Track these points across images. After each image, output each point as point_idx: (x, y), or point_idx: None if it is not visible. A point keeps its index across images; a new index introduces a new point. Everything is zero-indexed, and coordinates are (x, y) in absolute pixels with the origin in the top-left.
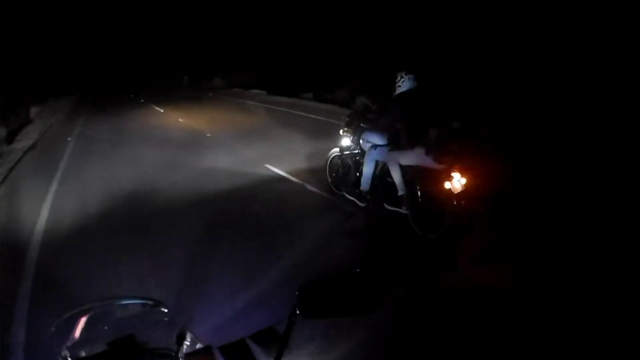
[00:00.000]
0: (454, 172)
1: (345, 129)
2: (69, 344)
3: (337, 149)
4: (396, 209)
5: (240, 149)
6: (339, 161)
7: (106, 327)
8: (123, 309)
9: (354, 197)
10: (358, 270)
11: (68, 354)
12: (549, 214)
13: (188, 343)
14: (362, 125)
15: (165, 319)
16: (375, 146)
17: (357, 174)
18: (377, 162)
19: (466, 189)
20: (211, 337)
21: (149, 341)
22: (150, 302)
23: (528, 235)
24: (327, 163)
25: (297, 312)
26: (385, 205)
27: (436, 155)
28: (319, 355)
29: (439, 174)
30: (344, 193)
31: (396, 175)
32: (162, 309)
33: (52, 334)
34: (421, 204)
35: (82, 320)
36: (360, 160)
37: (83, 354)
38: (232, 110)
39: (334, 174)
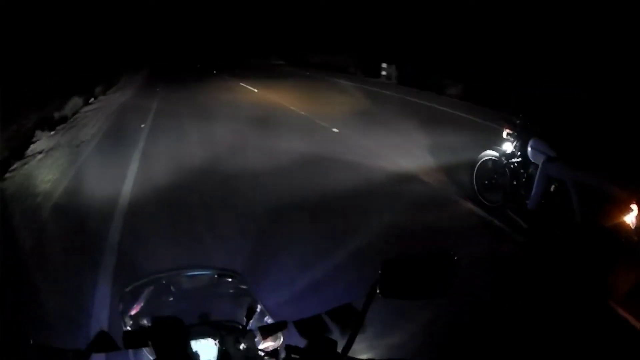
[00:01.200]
0: (633, 203)
1: (510, 131)
2: (132, 312)
3: (491, 152)
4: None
5: (351, 136)
6: (493, 167)
7: (172, 298)
8: (191, 280)
9: (513, 213)
10: (438, 250)
11: (130, 323)
12: None
13: (257, 316)
14: (534, 129)
15: (233, 290)
16: (550, 158)
17: (518, 187)
18: (549, 179)
19: None
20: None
21: (216, 313)
22: (219, 272)
23: None
24: (475, 166)
25: (377, 290)
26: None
27: (622, 180)
28: (391, 335)
29: (616, 204)
30: (497, 205)
31: (575, 199)
32: (232, 280)
33: (119, 302)
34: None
35: (148, 290)
36: (522, 171)
37: (146, 323)
38: (328, 92)
39: (486, 181)
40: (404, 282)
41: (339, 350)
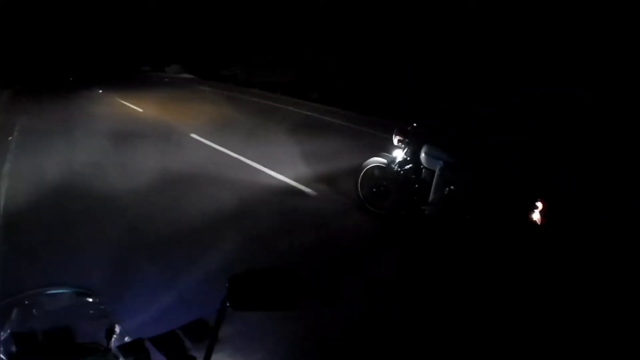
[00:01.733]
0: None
1: (400, 138)
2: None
3: (378, 159)
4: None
5: (222, 144)
6: (381, 174)
7: (34, 320)
8: (52, 300)
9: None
10: (286, 267)
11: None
12: None
13: (116, 336)
14: (427, 136)
15: (92, 311)
16: (448, 163)
17: (411, 194)
18: (446, 184)
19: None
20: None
21: (78, 335)
22: (78, 291)
23: None
24: (360, 174)
25: (228, 304)
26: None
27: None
28: (249, 349)
29: (520, 203)
30: (386, 213)
31: (475, 202)
32: (91, 299)
33: None
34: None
35: (11, 312)
36: (414, 177)
37: (13, 349)
38: (198, 101)
39: (374, 189)
40: (251, 295)
41: None
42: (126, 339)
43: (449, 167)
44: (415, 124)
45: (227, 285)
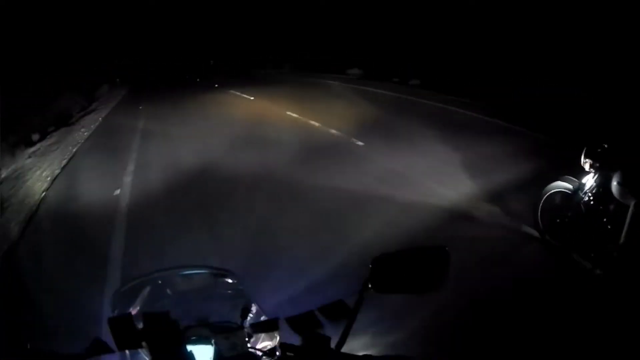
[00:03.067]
0: None
1: (590, 161)
2: (126, 313)
3: (563, 184)
4: None
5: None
6: (564, 202)
7: (166, 299)
8: (186, 280)
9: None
10: (431, 245)
11: (125, 324)
12: None
13: (252, 316)
14: (622, 161)
15: (229, 291)
16: None
17: (596, 229)
18: None
19: None
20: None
21: (212, 314)
22: (214, 272)
23: None
24: (541, 200)
25: (370, 285)
26: None
27: None
28: (387, 333)
29: None
30: (568, 248)
31: None
32: (228, 280)
33: (112, 303)
34: None
35: (143, 291)
36: (602, 208)
37: (141, 324)
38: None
39: (557, 219)
40: (395, 277)
41: (333, 346)
42: (262, 317)
43: None
44: (606, 145)
45: (370, 266)
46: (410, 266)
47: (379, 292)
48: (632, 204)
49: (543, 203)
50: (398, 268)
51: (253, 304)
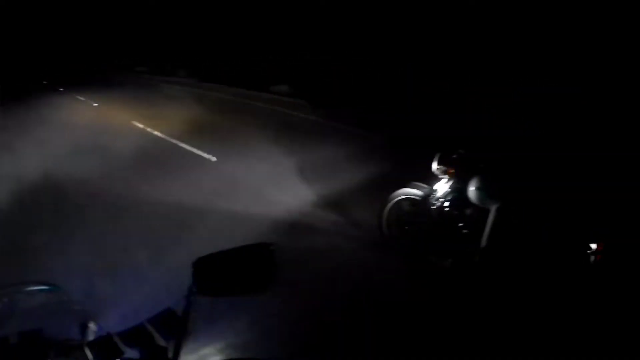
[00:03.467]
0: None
1: (444, 167)
2: None
3: (411, 191)
4: None
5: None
6: (414, 209)
7: (12, 318)
8: (27, 298)
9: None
10: (255, 243)
11: None
12: None
13: (91, 332)
14: (481, 167)
15: (67, 307)
16: (506, 202)
17: (456, 235)
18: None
19: None
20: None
21: (54, 333)
22: (50, 288)
23: None
24: (386, 207)
25: (195, 290)
26: None
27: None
28: (222, 338)
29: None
30: (420, 254)
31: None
32: (65, 297)
33: None
34: None
35: None
36: (457, 213)
37: None
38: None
39: (406, 227)
40: (220, 278)
41: (170, 356)
42: (100, 333)
43: (509, 208)
44: (462, 151)
45: (192, 268)
46: (234, 266)
47: (205, 295)
48: (493, 208)
49: (390, 210)
50: (222, 269)
51: (91, 321)
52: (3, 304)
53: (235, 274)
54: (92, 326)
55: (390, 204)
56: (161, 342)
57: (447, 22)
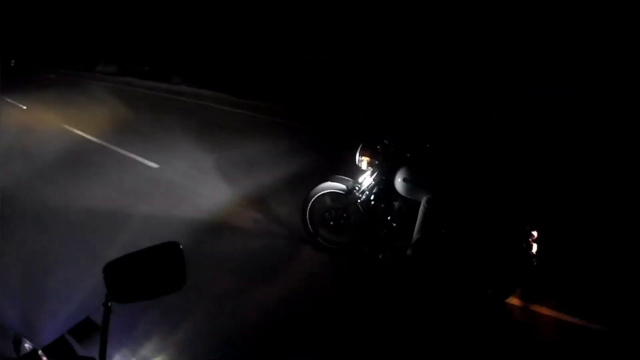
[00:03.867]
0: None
1: (367, 158)
2: None
3: (335, 184)
4: None
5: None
6: (338, 202)
7: None
8: None
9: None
10: (162, 243)
11: None
12: None
13: (26, 347)
14: (407, 158)
15: (2, 324)
16: (436, 193)
17: (382, 227)
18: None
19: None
20: None
21: None
22: None
23: None
24: (308, 203)
25: (110, 297)
26: None
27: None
28: (143, 344)
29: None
30: (345, 248)
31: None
32: None
33: None
34: None
35: None
36: (383, 206)
37: None
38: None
39: (331, 222)
40: (132, 282)
41: None
42: (28, 348)
43: (439, 198)
44: (386, 142)
45: (103, 275)
46: (144, 268)
47: (120, 302)
48: (423, 200)
49: (312, 205)
50: (133, 273)
51: (22, 336)
52: None
53: (146, 275)
54: (24, 342)
55: (312, 199)
56: (83, 352)
57: (446, 22)
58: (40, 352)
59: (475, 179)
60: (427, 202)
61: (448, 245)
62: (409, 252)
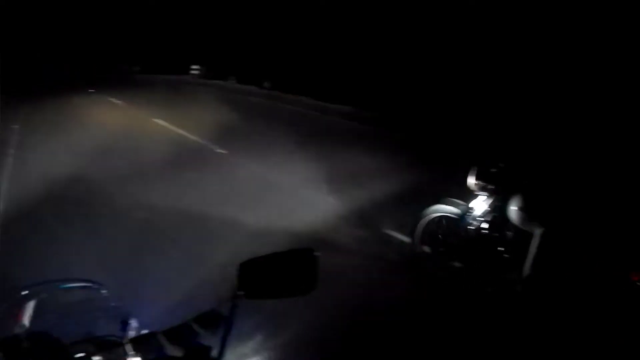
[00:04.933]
0: None
1: (482, 183)
2: (6, 331)
3: (447, 208)
4: None
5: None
6: (448, 228)
7: (51, 314)
8: (65, 293)
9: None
10: (299, 248)
11: (5, 342)
12: None
13: (132, 329)
14: (525, 185)
15: (109, 304)
16: (551, 228)
17: (493, 257)
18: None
19: None
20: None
21: (92, 327)
22: (90, 285)
23: None
24: (420, 226)
25: (240, 292)
26: None
27: None
28: (265, 340)
29: None
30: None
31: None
32: (104, 293)
33: None
34: None
35: (22, 307)
36: (497, 235)
37: (22, 341)
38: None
39: (442, 248)
40: (264, 281)
41: (215, 355)
42: (143, 331)
43: (554, 234)
44: (502, 165)
45: (237, 272)
46: (278, 270)
47: (249, 297)
48: (536, 233)
49: (423, 229)
50: (266, 272)
51: (132, 318)
52: (43, 299)
53: (278, 276)
54: (132, 323)
55: (423, 222)
56: (205, 341)
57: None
58: (159, 334)
59: (601, 214)
60: (542, 235)
61: (561, 286)
62: (518, 288)
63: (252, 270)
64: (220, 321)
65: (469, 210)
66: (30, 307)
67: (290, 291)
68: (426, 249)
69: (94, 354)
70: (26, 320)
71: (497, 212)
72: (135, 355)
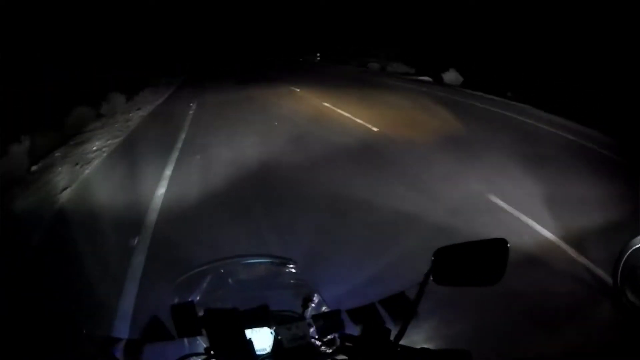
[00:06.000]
0: None
1: None
2: (186, 301)
3: None
4: None
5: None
6: None
7: (227, 287)
8: (247, 268)
9: None
10: (490, 238)
11: (185, 311)
12: None
13: (314, 306)
14: None
15: (292, 280)
16: None
17: None
18: None
19: None
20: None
21: (272, 302)
22: (277, 261)
23: None
24: (624, 253)
25: (431, 277)
26: None
27: None
28: (445, 325)
29: None
30: None
31: None
32: (291, 269)
33: (173, 291)
34: None
35: (203, 279)
36: None
37: (200, 312)
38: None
39: None
40: (456, 269)
41: (392, 338)
42: (323, 308)
43: None
44: None
45: (432, 258)
46: (470, 258)
47: (439, 283)
48: None
49: (627, 259)
50: (459, 260)
51: (315, 294)
52: (225, 274)
53: (470, 265)
54: (315, 299)
55: (629, 252)
56: (388, 323)
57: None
58: (343, 312)
59: None
60: None
61: None
62: None
63: (446, 257)
64: (405, 305)
65: None
66: (208, 279)
67: (479, 280)
68: (624, 281)
69: (271, 327)
70: (203, 291)
71: None
72: (315, 332)
